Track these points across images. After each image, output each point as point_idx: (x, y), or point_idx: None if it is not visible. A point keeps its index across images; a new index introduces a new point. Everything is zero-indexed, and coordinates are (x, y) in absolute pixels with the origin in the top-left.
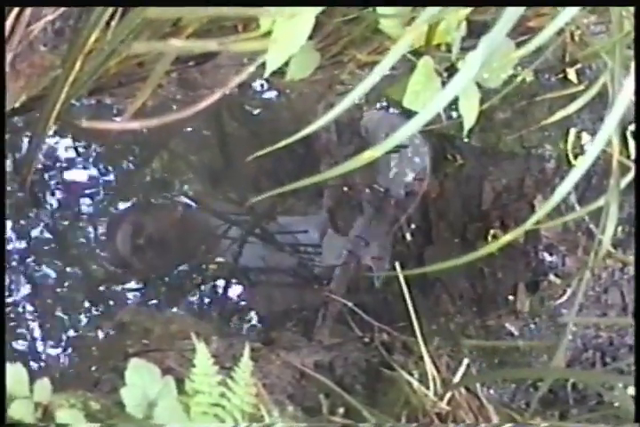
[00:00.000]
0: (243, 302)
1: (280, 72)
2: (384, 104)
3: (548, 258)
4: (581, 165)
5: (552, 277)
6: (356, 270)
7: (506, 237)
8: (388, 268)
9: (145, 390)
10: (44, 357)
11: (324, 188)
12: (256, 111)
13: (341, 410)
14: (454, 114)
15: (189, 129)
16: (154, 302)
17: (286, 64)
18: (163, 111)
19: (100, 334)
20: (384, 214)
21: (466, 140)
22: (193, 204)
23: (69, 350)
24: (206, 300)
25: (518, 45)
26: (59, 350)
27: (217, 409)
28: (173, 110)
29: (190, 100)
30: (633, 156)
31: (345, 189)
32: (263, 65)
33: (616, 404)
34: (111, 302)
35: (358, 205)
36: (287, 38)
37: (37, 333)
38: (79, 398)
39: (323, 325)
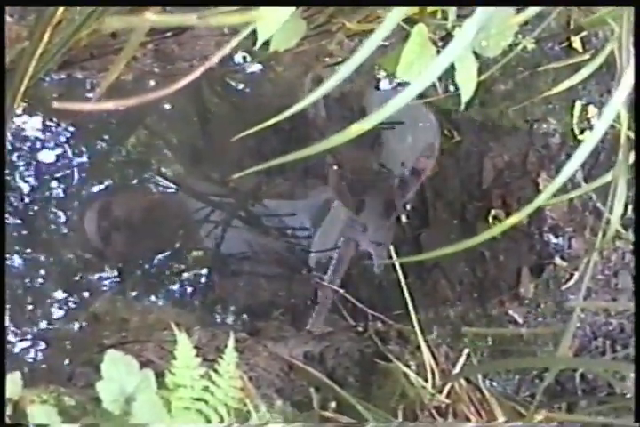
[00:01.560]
0: (225, 291)
1: (264, 43)
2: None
3: (553, 240)
4: (589, 141)
5: (558, 260)
6: (354, 258)
7: (508, 221)
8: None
9: (122, 384)
10: (13, 350)
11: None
12: (239, 86)
13: (333, 404)
14: (452, 89)
15: (168, 105)
16: (131, 292)
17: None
18: (138, 86)
19: (75, 326)
20: (384, 195)
21: (464, 113)
22: (172, 185)
23: (41, 343)
24: (188, 289)
25: (519, 12)
26: (29, 343)
27: (200, 404)
28: (151, 85)
29: (168, 74)
30: None
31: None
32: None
33: (628, 395)
34: (85, 293)
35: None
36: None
37: (7, 324)
38: (52, 394)
39: (314, 314)
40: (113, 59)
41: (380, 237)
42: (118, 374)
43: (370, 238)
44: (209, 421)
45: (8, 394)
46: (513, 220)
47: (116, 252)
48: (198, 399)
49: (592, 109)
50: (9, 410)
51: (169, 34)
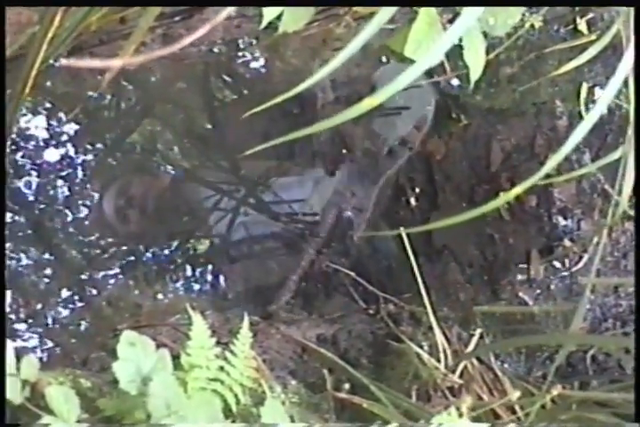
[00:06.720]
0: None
1: (272, 27)
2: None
3: (562, 222)
4: (592, 116)
5: (567, 242)
6: (336, 222)
7: (514, 191)
8: (369, 218)
9: (139, 365)
10: (26, 336)
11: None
12: (246, 74)
13: (347, 386)
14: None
15: (176, 93)
16: (144, 278)
17: (278, 18)
18: (147, 70)
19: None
20: (373, 163)
21: (472, 95)
22: (180, 173)
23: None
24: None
25: None
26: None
27: (215, 384)
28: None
29: (177, 58)
30: None
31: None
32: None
33: None
34: (93, 291)
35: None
36: None
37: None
38: (68, 376)
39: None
40: (122, 44)
41: (364, 204)
42: (135, 355)
43: (353, 205)
44: (225, 401)
45: (24, 376)
46: (517, 190)
47: (132, 234)
48: (214, 380)
49: (599, 92)
50: (27, 392)
51: (177, 18)
